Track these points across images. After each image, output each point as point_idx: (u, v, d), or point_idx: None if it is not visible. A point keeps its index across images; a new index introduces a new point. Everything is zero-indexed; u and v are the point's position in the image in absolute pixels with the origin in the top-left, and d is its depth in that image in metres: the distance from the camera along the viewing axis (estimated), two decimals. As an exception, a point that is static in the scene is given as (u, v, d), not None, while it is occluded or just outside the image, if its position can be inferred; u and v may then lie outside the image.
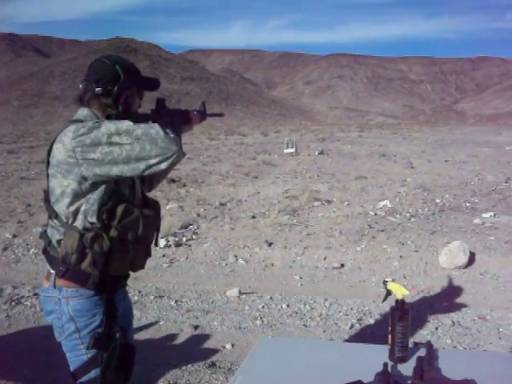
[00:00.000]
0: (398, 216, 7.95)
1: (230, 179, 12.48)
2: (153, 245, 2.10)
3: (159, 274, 5.73)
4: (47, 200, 1.91)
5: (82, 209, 1.83)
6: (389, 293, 1.87)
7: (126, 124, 1.76)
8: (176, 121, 2.05)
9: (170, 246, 6.58)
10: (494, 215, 7.71)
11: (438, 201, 9.10)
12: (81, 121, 1.86)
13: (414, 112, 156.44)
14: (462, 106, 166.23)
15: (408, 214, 8.04)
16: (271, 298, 4.90)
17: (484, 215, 7.72)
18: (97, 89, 1.90)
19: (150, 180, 2.22)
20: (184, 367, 3.51)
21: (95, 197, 1.82)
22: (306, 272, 5.75)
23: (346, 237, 6.81)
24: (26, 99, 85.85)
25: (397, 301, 1.77)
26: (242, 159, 17.12)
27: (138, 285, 5.16)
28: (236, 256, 6.22)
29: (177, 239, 6.85)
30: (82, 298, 1.88)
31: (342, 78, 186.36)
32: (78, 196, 1.82)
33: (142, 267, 2.05)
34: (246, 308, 4.67)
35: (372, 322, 4.32)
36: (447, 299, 4.82)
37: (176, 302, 4.83)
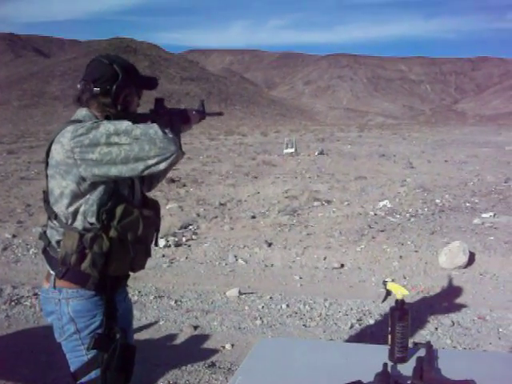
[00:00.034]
0: (398, 216, 7.95)
1: (229, 179, 12.49)
2: (153, 245, 2.09)
3: (159, 274, 5.73)
4: (46, 201, 1.91)
5: (81, 209, 1.82)
6: (388, 293, 1.87)
7: (125, 124, 1.75)
8: (175, 120, 2.05)
9: (169, 246, 6.58)
10: (494, 215, 7.72)
11: (437, 201, 9.11)
12: (80, 121, 1.86)
13: (413, 112, 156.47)
14: (461, 107, 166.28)
15: (408, 214, 8.04)
16: (271, 298, 4.90)
17: (484, 215, 7.73)
18: (95, 88, 1.89)
19: (150, 180, 2.22)
20: (184, 367, 3.51)
21: (94, 197, 1.82)
22: (305, 272, 5.75)
23: (345, 237, 6.81)
24: (25, 99, 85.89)
25: (396, 301, 1.77)
26: (242, 159, 17.12)
27: (137, 285, 5.16)
28: (236, 256, 6.22)
29: (176, 239, 6.85)
30: (82, 298, 1.87)
31: (342, 78, 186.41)
32: (76, 197, 1.81)
33: (142, 267, 2.05)
34: (246, 308, 4.67)
35: (372, 322, 4.32)
36: (447, 299, 4.82)
37: (176, 302, 4.83)
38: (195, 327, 4.23)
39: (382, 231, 7.02)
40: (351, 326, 4.23)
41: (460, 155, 17.37)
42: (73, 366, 1.92)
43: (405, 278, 5.45)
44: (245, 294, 5.01)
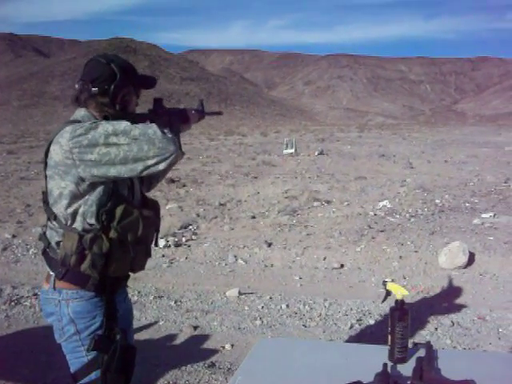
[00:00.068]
0: (398, 216, 7.95)
1: (229, 179, 12.49)
2: (152, 245, 2.09)
3: (159, 274, 5.73)
4: (46, 201, 1.90)
5: (81, 210, 1.82)
6: (388, 293, 1.87)
7: (124, 124, 1.75)
8: (174, 120, 2.04)
9: (169, 246, 6.58)
10: (494, 215, 7.72)
11: (437, 201, 9.11)
12: (78, 121, 1.85)
13: (413, 112, 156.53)
14: (461, 107, 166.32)
15: (407, 215, 8.04)
16: (271, 298, 4.90)
17: (483, 215, 7.73)
18: (93, 88, 1.88)
19: (149, 180, 2.21)
20: (183, 367, 3.51)
21: (93, 198, 1.81)
22: (305, 272, 5.75)
23: (345, 237, 6.81)
24: (25, 99, 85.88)
25: (396, 301, 1.77)
26: (242, 159, 17.12)
27: (137, 285, 5.16)
28: (235, 256, 6.22)
29: (176, 239, 6.85)
30: (81, 299, 1.87)
31: (342, 79, 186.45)
32: (75, 197, 1.81)
33: (142, 268, 2.04)
34: (246, 308, 4.67)
35: (371, 322, 4.32)
36: (447, 299, 4.83)
37: (175, 302, 4.83)
38: (195, 327, 4.23)
39: (382, 231, 7.02)
40: (351, 327, 4.23)
41: (460, 155, 17.37)
42: (73, 367, 1.92)
43: (405, 278, 5.45)
44: (245, 294, 5.01)
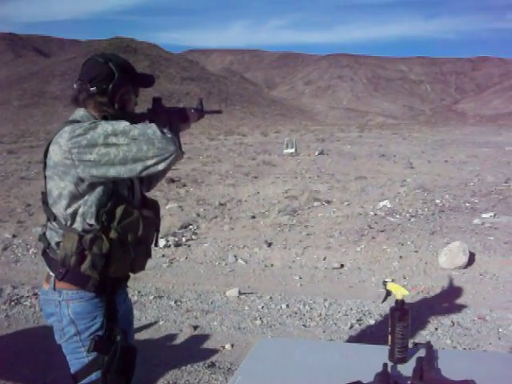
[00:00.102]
0: (398, 216, 7.95)
1: (229, 179, 12.49)
2: (152, 245, 2.09)
3: (159, 274, 5.73)
4: (45, 202, 1.89)
5: (80, 211, 1.81)
6: (388, 293, 1.86)
7: (123, 124, 1.74)
8: (174, 119, 2.03)
9: (169, 246, 6.58)
10: (494, 215, 7.71)
11: (437, 201, 9.10)
12: (77, 121, 1.84)
13: (413, 112, 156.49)
14: (461, 107, 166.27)
15: (408, 215, 8.04)
16: (271, 298, 4.90)
17: (484, 215, 7.72)
18: (91, 88, 1.87)
19: (149, 180, 2.20)
20: (183, 367, 3.51)
21: (93, 198, 1.80)
22: (305, 272, 5.75)
23: (345, 237, 6.81)
24: (26, 99, 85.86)
25: (396, 301, 1.76)
26: (242, 159, 17.12)
27: (137, 285, 5.16)
28: (236, 256, 6.22)
29: (176, 239, 6.85)
30: (82, 300, 1.86)
31: (342, 78, 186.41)
32: (75, 198, 1.80)
33: (143, 268, 2.04)
34: (246, 308, 4.67)
35: (372, 322, 4.32)
36: (447, 299, 4.83)
37: (175, 302, 4.83)
38: (195, 327, 4.23)
39: (382, 231, 7.02)
40: (351, 326, 4.23)
41: (460, 155, 17.37)
42: (73, 368, 1.91)
43: (405, 278, 5.45)
44: (245, 294, 5.01)
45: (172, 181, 11.71)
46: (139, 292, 5.05)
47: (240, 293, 5.00)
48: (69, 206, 1.81)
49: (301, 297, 4.91)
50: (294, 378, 1.70)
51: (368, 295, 4.93)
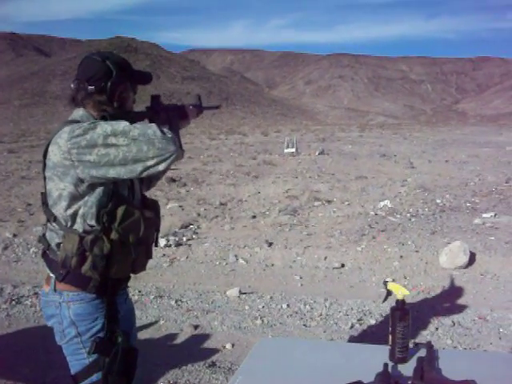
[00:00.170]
0: (399, 216, 7.94)
1: (230, 179, 12.48)
2: (153, 245, 2.08)
3: (159, 273, 5.73)
4: (45, 203, 1.88)
5: (81, 212, 1.80)
6: (389, 293, 1.86)
7: (123, 125, 1.73)
8: (173, 117, 2.02)
9: (170, 245, 6.58)
10: (495, 215, 7.71)
11: (438, 201, 9.10)
12: (77, 121, 1.83)
13: (414, 112, 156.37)
14: (462, 106, 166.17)
15: (408, 214, 8.03)
16: (271, 297, 4.90)
17: (484, 215, 7.72)
18: (89, 87, 1.85)
19: (149, 179, 2.19)
20: (184, 367, 3.51)
21: (93, 199, 1.79)
22: (306, 272, 5.75)
23: (346, 237, 6.80)
24: (26, 98, 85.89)
25: (397, 301, 1.76)
26: (243, 159, 17.11)
27: (138, 284, 5.16)
28: (236, 256, 6.22)
29: (177, 239, 6.84)
30: (83, 301, 1.85)
31: (343, 78, 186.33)
32: (75, 199, 1.79)
33: (144, 269, 2.03)
34: (246, 308, 4.67)
35: (372, 322, 4.32)
36: (447, 299, 4.82)
37: (176, 301, 4.83)
38: (195, 327, 4.23)
39: (383, 231, 7.02)
40: (352, 326, 4.23)
41: (461, 155, 17.35)
42: (73, 369, 1.90)
43: (405, 277, 5.45)
44: (245, 293, 5.01)
45: (173, 180, 11.71)
46: (140, 291, 5.05)
47: (241, 292, 5.00)
48: (69, 207, 1.80)
49: (301, 296, 4.91)
50: (295, 377, 1.70)
51: (369, 295, 4.93)
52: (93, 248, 1.77)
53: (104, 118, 1.85)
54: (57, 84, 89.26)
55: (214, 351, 3.80)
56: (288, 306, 4.69)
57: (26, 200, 9.67)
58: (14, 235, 7.20)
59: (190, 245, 6.70)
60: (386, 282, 1.92)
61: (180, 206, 9.03)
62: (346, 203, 9.18)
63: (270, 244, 6.58)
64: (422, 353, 1.76)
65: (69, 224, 1.82)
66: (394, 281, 5.16)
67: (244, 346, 3.85)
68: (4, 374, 3.40)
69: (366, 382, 1.53)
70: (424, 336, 3.98)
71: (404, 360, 1.74)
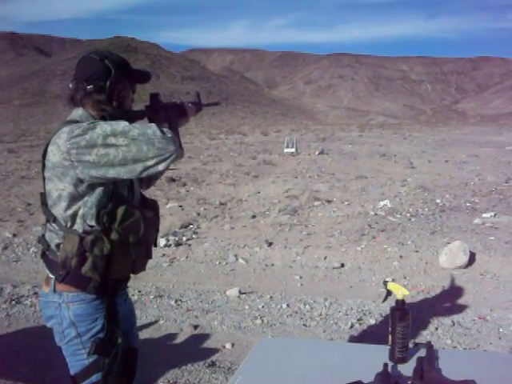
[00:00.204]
0: (399, 216, 7.94)
1: (230, 179, 12.48)
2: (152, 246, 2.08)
3: (159, 273, 5.73)
4: (44, 203, 1.87)
5: (80, 212, 1.79)
6: (389, 293, 1.86)
7: (122, 125, 1.72)
8: (172, 115, 2.02)
9: (170, 245, 6.58)
10: (495, 215, 7.71)
11: (438, 201, 9.10)
12: (76, 121, 1.82)
13: (414, 112, 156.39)
14: (462, 106, 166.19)
15: (408, 214, 8.03)
16: (271, 297, 4.90)
17: (484, 215, 7.72)
18: (88, 86, 1.84)
19: (148, 178, 2.18)
20: (184, 367, 3.51)
21: (93, 200, 1.79)
22: (306, 272, 5.75)
23: (346, 236, 6.80)
24: (26, 98, 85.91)
25: (397, 301, 1.76)
26: (243, 159, 17.11)
27: (137, 284, 5.16)
28: (236, 255, 6.22)
29: (177, 238, 6.84)
30: (82, 302, 1.84)
31: (343, 78, 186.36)
32: (75, 199, 1.78)
33: (144, 269, 2.02)
34: (246, 307, 4.67)
35: (372, 322, 4.31)
36: (447, 299, 4.82)
37: (176, 301, 4.83)
38: (195, 326, 4.23)
39: (383, 231, 7.02)
40: (351, 326, 4.22)
41: (461, 155, 17.35)
42: (73, 370, 1.89)
43: (405, 277, 5.44)
44: (245, 293, 5.01)
45: (172, 180, 11.72)
46: (139, 291, 5.05)
47: (240, 292, 5.00)
48: (68, 207, 1.79)
49: (301, 296, 4.91)
50: (295, 377, 1.70)
51: (368, 295, 4.93)
52: (93, 248, 1.76)
53: (103, 118, 1.84)
54: (57, 84, 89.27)
55: (214, 351, 3.80)
56: (288, 305, 4.69)
57: (26, 200, 9.67)
58: (14, 235, 7.20)
59: (189, 244, 6.69)
60: (385, 282, 1.92)
61: (180, 206, 9.03)
62: (346, 203, 9.18)
63: (270, 244, 6.58)
64: (422, 353, 1.76)
65: (68, 224, 1.81)
66: (393, 281, 5.16)
67: (244, 345, 3.85)
68: (4, 373, 3.40)
69: (365, 382, 1.53)
70: (424, 336, 3.98)
71: (404, 360, 1.74)
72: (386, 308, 4.22)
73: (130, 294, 2.22)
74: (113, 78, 1.86)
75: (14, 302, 4.75)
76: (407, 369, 1.65)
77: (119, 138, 1.70)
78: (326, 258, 6.06)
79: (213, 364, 3.56)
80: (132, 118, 1.90)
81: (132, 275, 2.03)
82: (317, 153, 18.53)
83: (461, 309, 4.55)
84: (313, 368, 1.75)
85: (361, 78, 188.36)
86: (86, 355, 1.84)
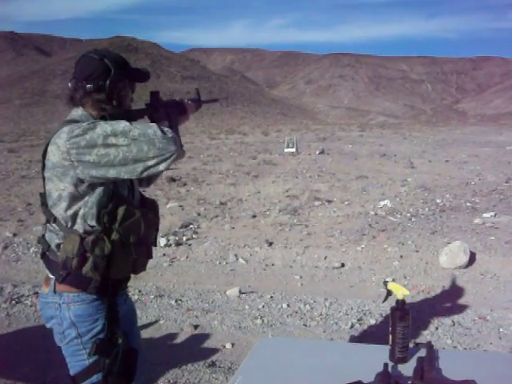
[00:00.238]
0: (399, 216, 7.94)
1: (230, 178, 12.48)
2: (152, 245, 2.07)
3: (159, 273, 5.73)
4: (44, 203, 1.87)
5: (81, 212, 1.79)
6: (389, 293, 1.86)
7: (123, 125, 1.71)
8: (172, 112, 2.02)
9: (170, 245, 6.58)
10: (495, 215, 7.71)
11: (438, 201, 9.10)
12: (76, 121, 1.82)
13: (414, 112, 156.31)
14: (462, 106, 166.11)
15: (408, 214, 8.03)
16: (271, 297, 4.90)
17: (484, 215, 7.72)
18: (88, 86, 1.84)
19: (148, 177, 2.19)
20: (184, 366, 3.51)
21: (93, 200, 1.78)
22: (306, 271, 5.75)
23: (346, 236, 6.80)
24: (27, 98, 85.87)
25: (397, 301, 1.76)
26: (243, 158, 17.10)
27: (138, 284, 5.16)
28: (236, 255, 6.21)
29: (177, 238, 6.84)
30: (83, 303, 1.84)
31: (343, 78, 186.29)
32: (75, 199, 1.78)
33: (144, 269, 2.02)
34: (246, 307, 4.67)
35: (372, 321, 4.31)
36: (448, 299, 4.82)
37: (176, 301, 4.83)
38: (195, 326, 4.23)
39: (383, 231, 7.02)
40: (352, 326, 4.22)
41: (461, 155, 17.34)
42: (73, 370, 1.89)
43: (405, 277, 5.44)
44: (245, 293, 5.01)
45: (173, 180, 11.71)
46: (140, 291, 5.06)
47: (240, 292, 5.00)
48: (69, 207, 1.79)
49: (301, 296, 4.91)
50: (295, 377, 1.70)
51: (369, 295, 4.93)
52: (94, 249, 1.76)
53: (104, 118, 1.83)
54: (57, 83, 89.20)
55: (214, 351, 3.80)
56: (288, 305, 4.69)
57: (26, 199, 9.67)
58: (14, 234, 7.20)
59: (190, 244, 6.70)
60: (386, 282, 1.92)
61: (180, 206, 9.03)
62: (346, 203, 9.18)
63: (270, 244, 6.57)
64: (422, 353, 1.76)
65: (69, 225, 1.80)
66: (394, 281, 5.16)
67: (244, 345, 3.85)
68: (4, 373, 3.40)
69: (366, 382, 1.53)
70: (424, 336, 3.98)
71: (404, 360, 1.74)
72: (386, 308, 4.21)
73: (130, 294, 2.22)
74: (112, 77, 1.85)
75: (14, 302, 4.75)
76: (407, 369, 1.65)
77: (120, 138, 1.69)
78: (326, 257, 6.06)
79: (213, 364, 3.57)
80: (132, 117, 1.90)
81: (132, 275, 2.02)
82: (317, 153, 18.52)
83: (461, 309, 4.55)
84: (313, 368, 1.75)
85: (361, 78, 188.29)
86: (87, 356, 1.84)
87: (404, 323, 1.73)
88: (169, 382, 3.33)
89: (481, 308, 4.53)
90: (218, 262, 6.09)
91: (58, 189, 1.78)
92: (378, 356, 1.72)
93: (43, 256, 1.93)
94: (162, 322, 4.36)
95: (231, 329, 4.20)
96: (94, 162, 1.71)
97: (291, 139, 19.87)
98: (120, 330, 1.89)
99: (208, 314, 4.52)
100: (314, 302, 4.75)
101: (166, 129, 1.76)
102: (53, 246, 1.87)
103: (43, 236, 1.92)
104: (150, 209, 2.01)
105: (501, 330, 4.07)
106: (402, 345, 1.73)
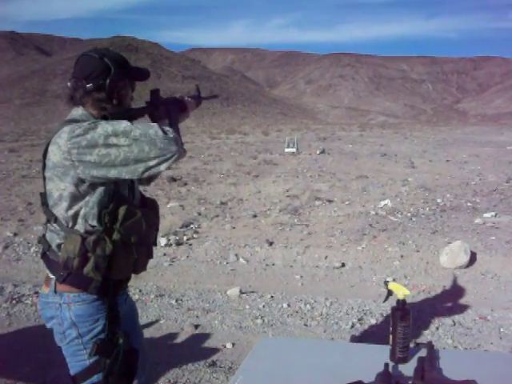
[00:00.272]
0: (399, 215, 7.94)
1: (230, 178, 12.48)
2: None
3: (160, 272, 5.73)
4: (45, 203, 1.86)
5: (82, 212, 1.78)
6: (390, 293, 1.86)
7: (124, 125, 1.71)
8: (172, 110, 2.01)
9: (170, 244, 6.58)
10: (495, 215, 7.70)
11: (439, 200, 9.09)
12: (76, 121, 1.81)
13: (415, 111, 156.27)
14: (463, 106, 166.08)
15: (409, 214, 8.03)
16: (272, 297, 4.90)
17: (485, 215, 7.71)
18: (88, 85, 1.83)
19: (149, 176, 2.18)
20: (184, 366, 3.51)
21: (94, 199, 1.78)
22: (306, 271, 5.75)
23: (346, 236, 6.80)
24: (27, 97, 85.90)
25: (398, 301, 1.76)
26: (243, 158, 17.11)
27: (138, 283, 5.16)
28: (237, 255, 6.21)
29: (178, 238, 6.84)
30: (84, 303, 1.83)
31: (344, 78, 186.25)
32: (76, 199, 1.77)
33: (145, 269, 2.01)
34: (247, 307, 4.66)
35: (373, 321, 4.31)
36: (448, 299, 4.82)
37: (177, 300, 4.83)
38: (196, 326, 4.23)
39: (384, 231, 7.02)
40: (352, 326, 4.22)
41: (461, 155, 17.34)
42: (73, 370, 1.89)
43: (406, 277, 5.44)
44: (246, 293, 5.00)
45: (173, 179, 11.72)
46: (140, 291, 5.05)
47: (241, 292, 5.00)
48: (70, 207, 1.78)
49: (302, 296, 4.91)
50: (295, 377, 1.70)
51: (369, 294, 4.93)
52: (95, 249, 1.75)
53: (105, 118, 1.82)
54: (57, 83, 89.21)
55: (215, 350, 3.80)
56: (288, 305, 4.69)
57: (27, 199, 9.67)
58: (15, 234, 7.21)
59: (190, 244, 6.69)
60: (386, 282, 1.92)
61: (181, 206, 9.03)
62: (347, 203, 9.18)
63: (271, 243, 6.57)
64: (423, 353, 1.76)
65: (70, 225, 1.80)
66: (394, 280, 5.16)
67: (244, 345, 3.85)
68: (4, 372, 3.40)
69: (366, 382, 1.53)
70: (425, 336, 3.98)
71: (405, 360, 1.74)
72: (386, 308, 4.22)
73: (130, 294, 2.22)
74: (113, 76, 1.85)
75: (14, 302, 4.75)
76: (408, 369, 1.65)
77: (121, 138, 1.69)
78: (326, 257, 6.06)
79: (213, 363, 3.56)
80: (133, 115, 1.90)
81: (133, 275, 2.02)
82: (317, 152, 18.52)
83: (462, 309, 4.55)
84: (313, 368, 1.75)
85: (361, 78, 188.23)
86: (87, 356, 1.84)
87: (405, 323, 1.73)
88: (169, 381, 3.33)
89: (481, 308, 4.53)
90: (218, 262, 6.09)
91: (59, 188, 1.77)
92: (378, 356, 1.72)
93: (43, 256, 1.93)
94: (162, 321, 4.36)
95: (232, 328, 4.20)
96: (95, 162, 1.70)
97: (292, 139, 19.88)
98: (121, 330, 1.89)
99: (208, 313, 4.52)
100: (315, 301, 4.75)
101: (167, 129, 1.76)
102: (53, 245, 1.86)
103: (44, 236, 1.92)
104: (151, 208, 2.01)
105: (501, 330, 4.07)
106: (402, 345, 1.73)
